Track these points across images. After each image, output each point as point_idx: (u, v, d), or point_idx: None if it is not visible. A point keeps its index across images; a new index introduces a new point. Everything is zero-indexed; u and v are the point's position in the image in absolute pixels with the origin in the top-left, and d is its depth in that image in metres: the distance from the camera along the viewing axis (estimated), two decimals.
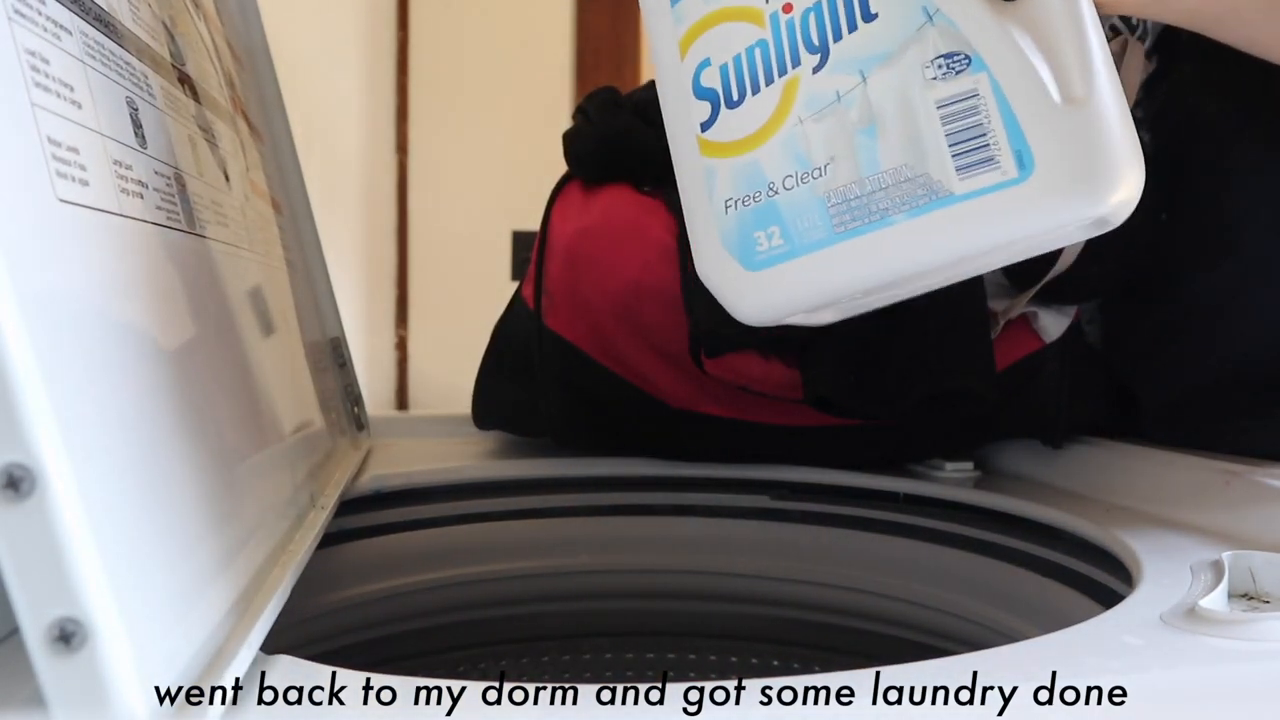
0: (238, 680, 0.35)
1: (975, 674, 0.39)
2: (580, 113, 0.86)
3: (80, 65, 0.38)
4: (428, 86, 2.30)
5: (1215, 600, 0.45)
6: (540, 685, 0.39)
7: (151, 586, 0.33)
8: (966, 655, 0.41)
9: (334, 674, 0.38)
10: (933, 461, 0.79)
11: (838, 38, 0.46)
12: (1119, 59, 0.66)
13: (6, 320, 0.27)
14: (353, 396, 0.87)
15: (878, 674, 0.39)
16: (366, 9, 2.27)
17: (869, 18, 0.45)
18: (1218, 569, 0.50)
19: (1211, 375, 0.72)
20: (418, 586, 0.78)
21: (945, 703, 0.36)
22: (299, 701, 0.35)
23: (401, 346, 2.32)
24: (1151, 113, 0.69)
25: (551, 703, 0.38)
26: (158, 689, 0.31)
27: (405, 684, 0.38)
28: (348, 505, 0.72)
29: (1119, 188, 0.43)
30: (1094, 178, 0.43)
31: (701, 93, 0.50)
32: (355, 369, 0.88)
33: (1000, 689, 0.37)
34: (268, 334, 0.62)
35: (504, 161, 2.25)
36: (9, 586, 0.28)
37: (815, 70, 0.46)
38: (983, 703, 0.36)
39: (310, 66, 2.11)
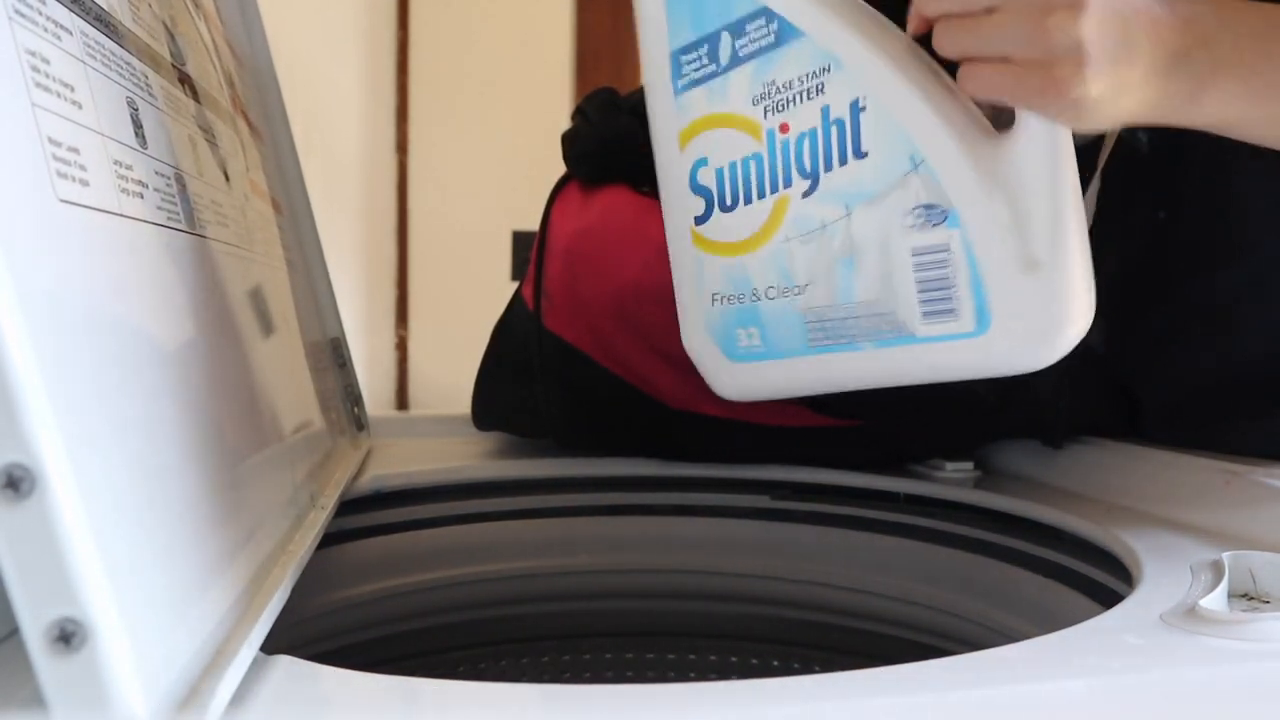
0: (238, 680, 0.35)
1: (975, 674, 0.39)
2: (579, 114, 0.86)
3: (81, 65, 0.38)
4: (428, 86, 2.30)
5: (1215, 600, 0.45)
6: (540, 685, 0.39)
7: (151, 586, 0.33)
8: (966, 655, 0.41)
9: (334, 674, 0.38)
10: (933, 461, 0.79)
11: (829, 168, 0.47)
12: None
13: (7, 320, 0.27)
14: (353, 396, 0.87)
15: (878, 674, 0.39)
16: (366, 9, 2.27)
17: (860, 155, 0.47)
18: (1218, 569, 0.50)
19: (1213, 376, 0.72)
20: (418, 586, 0.78)
21: (945, 703, 0.36)
22: (299, 701, 0.35)
23: (401, 346, 2.32)
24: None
25: (551, 702, 0.38)
26: (158, 689, 0.31)
27: (405, 684, 0.38)
28: (348, 505, 0.72)
29: (1065, 343, 0.46)
30: (1044, 337, 0.45)
31: (697, 188, 0.52)
32: (355, 369, 0.88)
33: (1000, 689, 0.37)
34: (268, 334, 0.62)
35: (504, 161, 2.25)
36: (9, 586, 0.28)
37: (805, 195, 0.48)
38: (983, 703, 0.36)
39: (310, 66, 2.11)
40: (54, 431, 0.28)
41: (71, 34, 0.38)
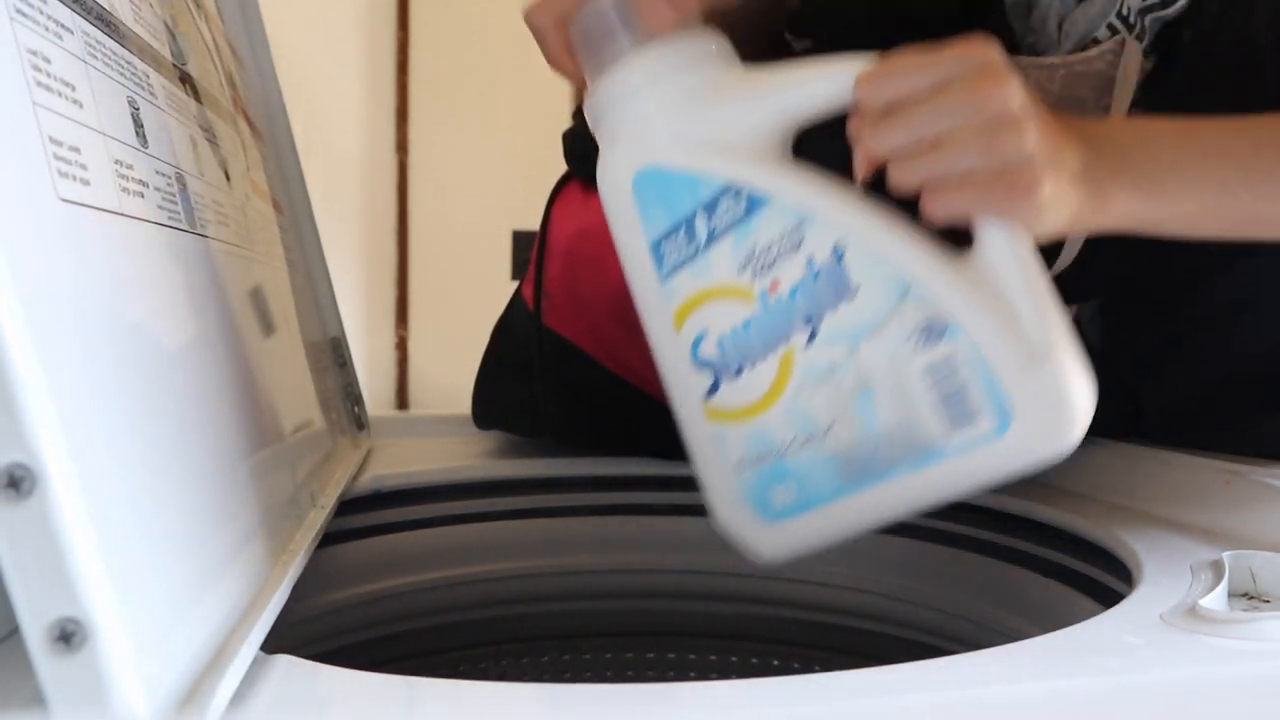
0: (238, 680, 0.35)
1: (975, 674, 0.39)
2: (580, 113, 0.86)
3: (82, 65, 0.38)
4: (428, 86, 2.30)
5: (1215, 600, 0.45)
6: (540, 685, 0.39)
7: (152, 586, 0.33)
8: (966, 655, 0.41)
9: (334, 674, 0.38)
10: None
11: (825, 313, 0.49)
12: (1116, 58, 0.66)
13: (7, 320, 0.27)
14: (353, 396, 0.87)
15: (878, 674, 0.39)
16: (366, 9, 2.27)
17: (852, 293, 0.49)
18: (1218, 569, 0.50)
19: (1213, 376, 0.72)
20: (418, 586, 0.78)
21: (945, 703, 0.36)
22: (299, 701, 0.35)
23: (401, 346, 2.32)
24: (1149, 112, 0.69)
25: (550, 701, 0.38)
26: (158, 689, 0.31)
27: (405, 684, 0.38)
28: (348, 505, 0.72)
29: (1078, 431, 0.48)
30: (1062, 427, 0.47)
31: (702, 364, 0.53)
32: (355, 369, 0.88)
33: (1000, 689, 0.37)
34: (268, 334, 0.62)
35: (504, 161, 2.25)
36: (9, 586, 0.28)
37: (809, 342, 0.50)
38: (983, 703, 0.36)
39: (310, 66, 2.11)
40: (55, 431, 0.28)
41: (73, 33, 0.38)
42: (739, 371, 0.52)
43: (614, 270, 0.78)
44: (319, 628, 0.72)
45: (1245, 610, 0.46)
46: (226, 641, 0.37)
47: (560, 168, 0.85)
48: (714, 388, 0.54)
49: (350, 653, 0.74)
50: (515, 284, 0.87)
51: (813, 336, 0.50)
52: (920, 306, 0.47)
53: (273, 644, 0.40)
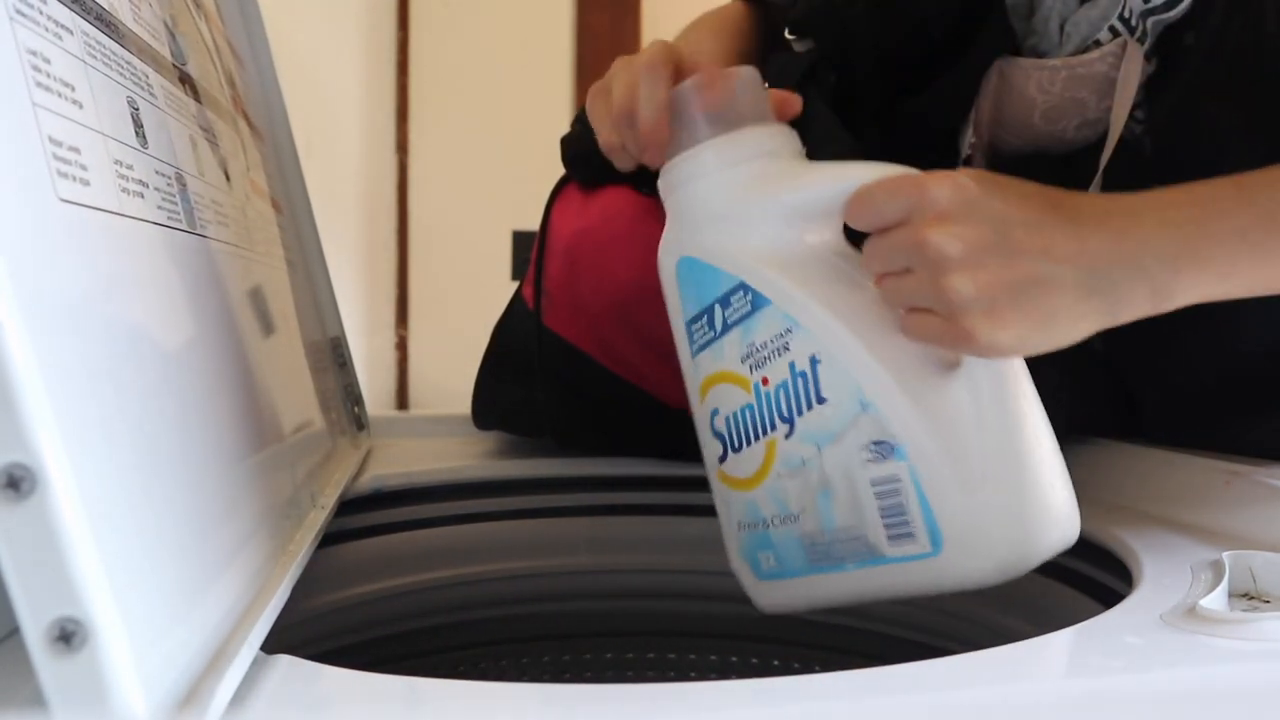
0: (238, 680, 0.35)
1: (975, 674, 0.39)
2: (579, 121, 0.85)
3: (81, 65, 0.38)
4: (428, 86, 2.29)
5: (1215, 600, 0.45)
6: (540, 685, 0.39)
7: (151, 586, 0.33)
8: (966, 655, 0.41)
9: (334, 674, 0.38)
10: None
11: (800, 413, 0.54)
12: (1118, 60, 0.66)
13: (7, 320, 0.27)
14: (353, 396, 0.87)
15: (878, 674, 0.39)
16: (366, 9, 2.27)
17: (821, 400, 0.53)
18: (1218, 569, 0.50)
19: (1213, 376, 0.72)
20: (418, 586, 0.78)
21: (945, 703, 0.36)
22: (299, 701, 0.35)
23: (401, 346, 2.32)
24: (1151, 115, 0.69)
25: (550, 701, 0.38)
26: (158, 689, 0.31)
27: (405, 684, 0.38)
28: (348, 505, 0.72)
29: (1029, 558, 0.51)
30: (1001, 553, 0.51)
31: (715, 434, 0.60)
32: (355, 369, 0.88)
33: (1000, 689, 0.37)
34: (268, 334, 0.62)
35: (504, 161, 2.25)
36: (9, 586, 0.28)
37: (787, 437, 0.55)
38: (983, 703, 0.36)
39: (310, 66, 2.11)
40: (54, 431, 0.28)
41: (72, 33, 0.38)
42: (738, 449, 0.58)
43: (614, 270, 0.78)
44: (319, 628, 0.72)
45: (1245, 610, 0.46)
46: (226, 641, 0.37)
47: (560, 168, 0.85)
48: (723, 456, 0.59)
49: (350, 653, 0.74)
50: (515, 284, 0.87)
51: (790, 432, 0.55)
52: (875, 423, 0.52)
53: (273, 644, 0.40)
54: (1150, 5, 0.64)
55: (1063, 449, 0.76)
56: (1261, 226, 0.52)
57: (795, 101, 0.60)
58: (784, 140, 0.58)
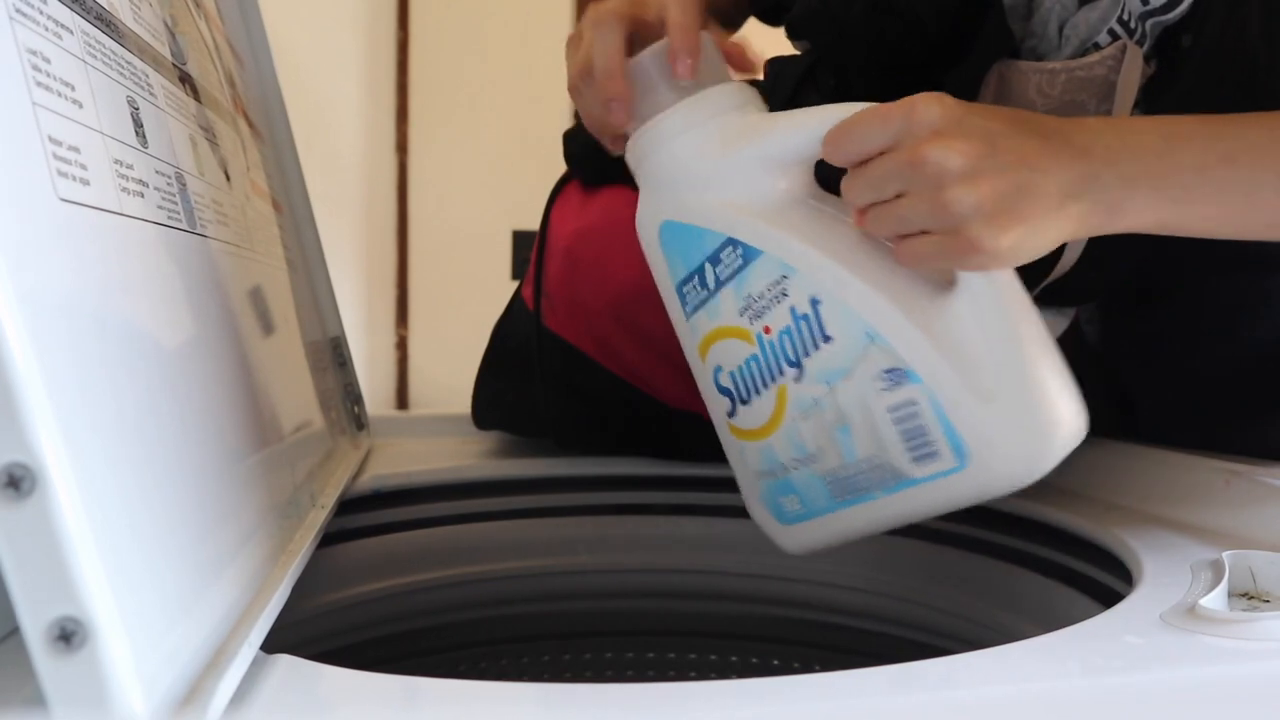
0: (238, 680, 0.35)
1: (975, 674, 0.39)
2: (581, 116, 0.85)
3: (81, 64, 0.38)
4: (428, 86, 2.30)
5: (1215, 600, 0.45)
6: (540, 684, 0.39)
7: (151, 586, 0.33)
8: (966, 655, 0.41)
9: (334, 674, 0.38)
10: None
11: (807, 355, 0.55)
12: (1118, 64, 0.66)
13: (7, 320, 0.27)
14: (353, 396, 0.87)
15: (878, 674, 0.39)
16: (366, 9, 2.27)
17: (827, 339, 0.54)
18: (1218, 569, 0.50)
19: (1212, 376, 0.72)
20: (418, 586, 0.78)
21: (945, 702, 0.36)
22: (299, 701, 0.35)
23: (401, 346, 2.32)
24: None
25: (550, 701, 0.38)
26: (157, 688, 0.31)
27: (405, 683, 0.38)
28: (348, 505, 0.72)
29: (1050, 455, 0.52)
30: (1023, 457, 0.52)
31: (721, 390, 0.60)
32: (355, 368, 0.88)
33: (1000, 689, 0.37)
34: (268, 334, 0.62)
35: (504, 161, 2.25)
36: (9, 586, 0.28)
37: (796, 380, 0.56)
38: (983, 702, 0.36)
39: (310, 66, 2.11)
40: (54, 431, 0.28)
41: (72, 33, 0.38)
42: (747, 400, 0.59)
43: (613, 270, 0.78)
44: (319, 628, 0.72)
45: (1245, 610, 0.46)
46: (226, 641, 0.37)
47: (560, 168, 0.85)
48: (732, 410, 0.60)
49: (350, 653, 0.74)
50: (515, 284, 0.87)
51: (800, 376, 0.55)
52: (883, 353, 0.53)
53: (273, 644, 0.40)
54: (1149, 7, 0.64)
55: None
56: (1223, 164, 0.53)
57: (751, 53, 0.62)
58: (748, 95, 0.58)
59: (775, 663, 0.84)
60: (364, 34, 2.27)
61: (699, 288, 0.59)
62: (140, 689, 0.29)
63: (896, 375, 0.52)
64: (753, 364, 0.57)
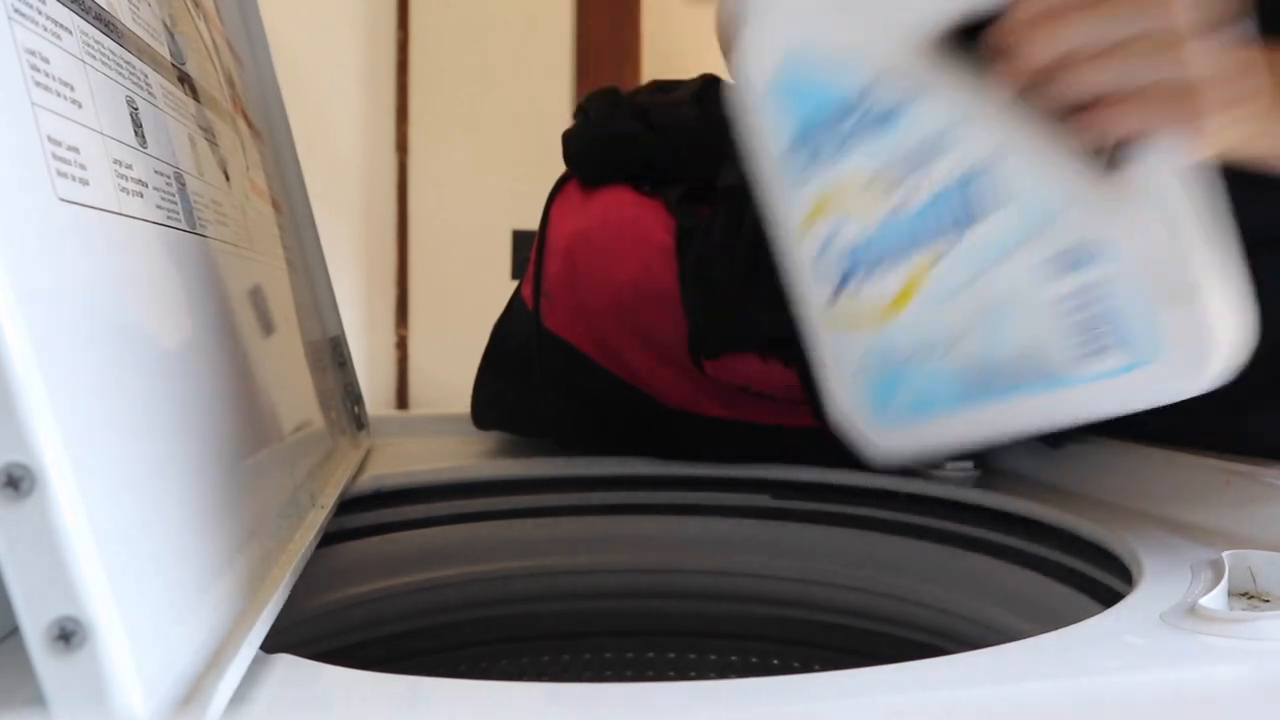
0: (238, 680, 0.35)
1: (975, 674, 0.39)
2: (581, 112, 0.86)
3: (80, 64, 0.38)
4: (428, 86, 2.29)
5: (1215, 599, 0.45)
6: (540, 684, 0.39)
7: (151, 586, 0.33)
8: (966, 655, 0.41)
9: (334, 673, 0.38)
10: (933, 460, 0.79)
11: (960, 231, 0.47)
12: None
13: (7, 320, 0.27)
14: (353, 396, 0.87)
15: (878, 674, 0.39)
16: (366, 9, 2.27)
17: (993, 211, 0.46)
18: (1218, 568, 0.49)
19: None
20: (418, 586, 0.78)
21: (945, 703, 0.36)
22: (299, 701, 0.35)
23: (401, 346, 2.32)
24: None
25: (550, 701, 0.38)
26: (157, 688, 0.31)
27: (405, 683, 0.38)
28: (348, 504, 0.72)
29: (1218, 365, 0.46)
30: (1196, 363, 0.45)
31: (826, 271, 0.51)
32: (355, 368, 0.88)
33: (1000, 689, 0.37)
34: (268, 334, 0.62)
35: (504, 161, 2.25)
36: (9, 586, 0.28)
37: (941, 257, 0.48)
38: (983, 702, 0.36)
39: (310, 66, 2.11)
40: (54, 431, 0.28)
41: (71, 33, 0.38)
42: (863, 280, 0.51)
43: (613, 270, 0.78)
44: (319, 628, 0.72)
45: (1245, 610, 0.46)
46: (226, 641, 0.37)
47: (560, 168, 0.85)
48: (835, 296, 0.52)
49: (350, 653, 0.74)
50: (515, 284, 0.87)
51: (944, 253, 0.48)
52: (1064, 232, 0.45)
53: (273, 644, 0.40)
54: None
55: (1063, 448, 0.76)
56: None
57: None
58: None
59: (775, 662, 0.84)
60: (364, 34, 2.27)
61: (818, 143, 0.50)
62: (140, 689, 0.29)
63: (1077, 258, 0.45)
64: (881, 237, 0.49)
